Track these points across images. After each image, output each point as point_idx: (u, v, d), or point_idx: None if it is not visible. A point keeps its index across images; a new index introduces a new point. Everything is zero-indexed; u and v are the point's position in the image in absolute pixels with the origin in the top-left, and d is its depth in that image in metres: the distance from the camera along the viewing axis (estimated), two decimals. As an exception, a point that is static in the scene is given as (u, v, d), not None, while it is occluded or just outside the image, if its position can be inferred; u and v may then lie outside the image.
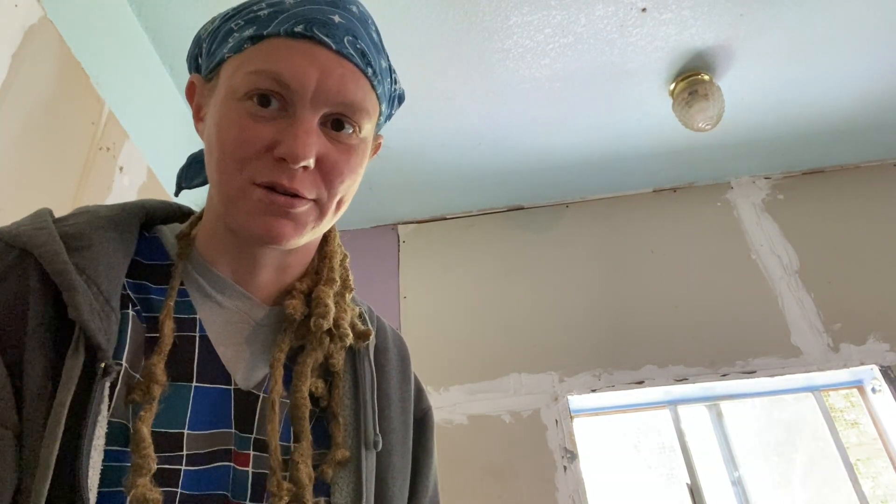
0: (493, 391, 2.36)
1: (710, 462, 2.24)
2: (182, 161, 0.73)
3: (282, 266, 0.61)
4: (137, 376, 0.51)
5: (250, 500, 0.52)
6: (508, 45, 2.01)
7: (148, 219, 0.62)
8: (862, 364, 2.25)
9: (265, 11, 0.56)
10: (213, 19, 0.61)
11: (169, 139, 1.98)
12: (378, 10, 1.84)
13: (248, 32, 0.55)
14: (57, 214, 0.57)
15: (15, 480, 0.42)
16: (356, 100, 0.55)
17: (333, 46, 0.54)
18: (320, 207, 0.56)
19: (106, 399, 0.47)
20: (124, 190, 1.64)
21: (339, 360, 0.61)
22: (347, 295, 0.64)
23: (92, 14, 1.58)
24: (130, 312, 0.53)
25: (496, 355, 2.43)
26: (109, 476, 0.46)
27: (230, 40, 0.57)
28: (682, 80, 2.15)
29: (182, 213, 0.67)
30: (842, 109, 2.40)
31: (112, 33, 1.68)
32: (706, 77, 2.14)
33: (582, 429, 2.32)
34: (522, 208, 2.81)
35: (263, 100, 0.53)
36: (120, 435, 0.48)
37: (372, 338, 0.64)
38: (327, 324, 0.59)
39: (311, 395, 0.58)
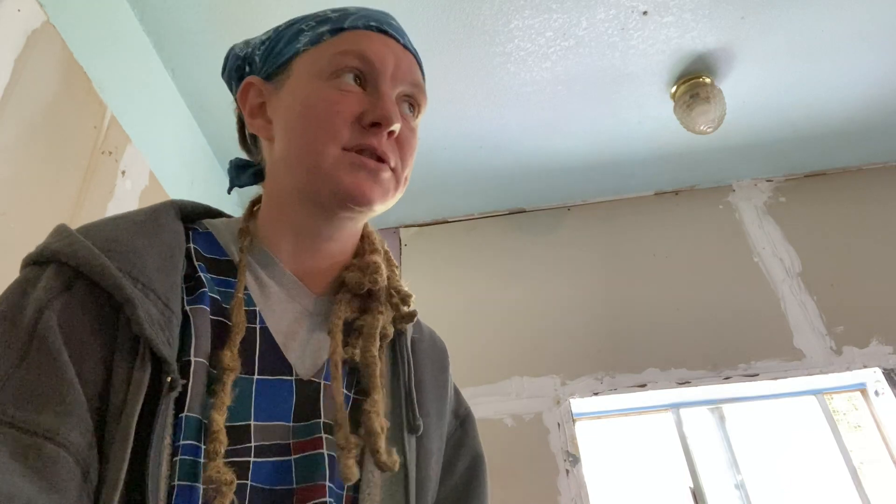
0: (495, 394, 2.35)
1: (712, 465, 2.24)
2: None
3: (339, 247, 0.66)
4: (211, 370, 0.53)
5: (329, 481, 0.54)
6: (510, 49, 2.01)
7: (183, 214, 0.64)
8: (865, 367, 2.24)
9: (334, 15, 0.65)
10: (262, 36, 0.70)
11: (171, 143, 1.98)
12: (379, 13, 1.85)
13: (325, 28, 0.64)
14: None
15: (74, 500, 0.43)
16: (421, 83, 0.67)
17: (401, 40, 0.66)
18: (396, 177, 0.63)
19: (172, 408, 0.49)
20: (126, 194, 1.64)
21: (391, 332, 0.65)
22: (396, 271, 0.69)
23: (94, 18, 1.59)
24: (205, 307, 0.55)
25: (498, 358, 2.43)
26: (185, 470, 0.48)
27: (302, 38, 0.65)
28: (684, 82, 2.15)
29: (210, 210, 0.70)
30: (843, 112, 2.40)
31: (114, 37, 1.68)
32: (707, 80, 2.14)
33: (584, 432, 2.32)
34: (524, 211, 2.81)
35: (350, 77, 0.61)
36: (191, 429, 0.50)
37: (410, 327, 0.69)
38: (381, 280, 0.64)
39: (350, 367, 0.60)
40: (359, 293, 0.64)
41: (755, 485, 2.19)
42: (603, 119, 2.33)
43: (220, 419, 0.50)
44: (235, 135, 0.78)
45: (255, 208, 0.69)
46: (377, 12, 0.66)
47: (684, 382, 2.29)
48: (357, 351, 0.60)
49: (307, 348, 0.60)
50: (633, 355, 2.37)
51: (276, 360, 0.58)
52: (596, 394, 2.31)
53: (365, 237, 0.69)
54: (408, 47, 0.66)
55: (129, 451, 0.45)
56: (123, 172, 1.64)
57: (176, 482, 0.47)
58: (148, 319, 0.49)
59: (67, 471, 0.43)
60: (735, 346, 2.33)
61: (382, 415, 0.57)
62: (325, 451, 0.55)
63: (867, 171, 2.69)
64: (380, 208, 0.62)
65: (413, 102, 0.66)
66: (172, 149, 1.98)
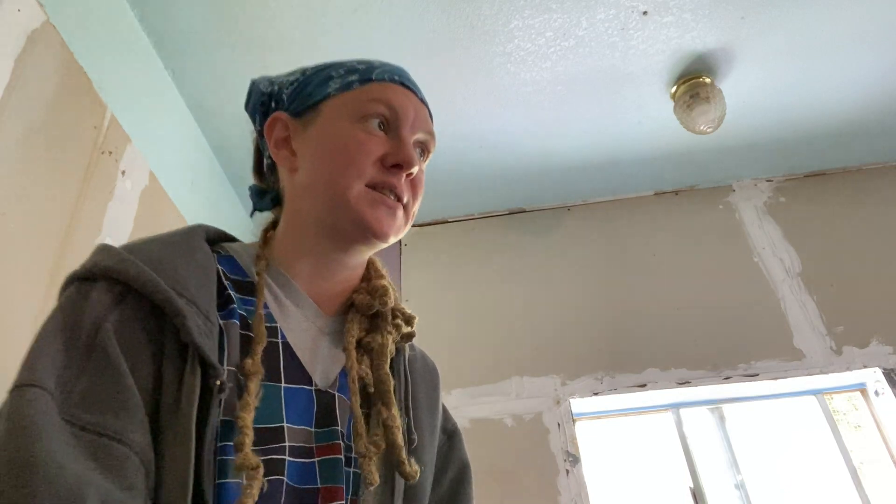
0: (495, 395, 2.35)
1: (712, 465, 2.24)
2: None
3: (349, 273, 0.73)
4: (242, 378, 0.58)
5: (344, 484, 0.60)
6: (510, 49, 2.01)
7: (207, 238, 0.70)
8: (865, 367, 2.24)
9: (360, 66, 0.74)
10: (288, 76, 0.77)
11: (171, 143, 1.98)
12: (379, 12, 1.85)
13: (354, 77, 0.72)
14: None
15: (143, 496, 0.48)
16: (433, 132, 0.75)
17: (419, 95, 0.75)
18: (406, 214, 0.71)
19: (217, 408, 0.54)
20: (126, 194, 1.64)
21: (394, 348, 0.71)
22: (397, 294, 0.75)
23: (94, 18, 1.59)
24: (236, 321, 0.61)
25: (498, 358, 2.43)
26: (222, 470, 0.53)
27: (332, 84, 0.72)
28: (684, 82, 2.15)
29: (227, 235, 0.77)
30: (844, 112, 2.40)
31: (114, 37, 1.68)
32: (707, 80, 2.14)
33: (584, 432, 2.32)
34: (524, 211, 2.81)
35: (375, 123, 0.69)
36: (229, 432, 0.54)
37: (407, 346, 0.76)
38: (390, 302, 0.71)
39: (361, 381, 0.66)
40: (367, 314, 0.71)
41: (755, 485, 2.19)
42: (603, 119, 2.33)
43: (246, 417, 0.55)
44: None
45: (268, 234, 0.75)
46: (398, 68, 0.77)
47: (684, 382, 2.29)
48: (364, 367, 0.67)
49: (323, 362, 0.66)
50: (633, 355, 2.37)
51: (298, 371, 0.63)
52: (596, 394, 2.31)
53: (370, 263, 0.77)
54: (423, 100, 0.76)
55: (192, 451, 0.50)
56: (123, 172, 1.64)
57: (220, 480, 0.52)
58: (196, 329, 0.54)
59: (135, 469, 0.48)
60: (735, 346, 2.33)
61: (401, 428, 0.64)
62: (342, 456, 0.61)
63: (867, 171, 2.69)
64: (391, 241, 0.70)
65: (424, 148, 0.75)
66: (172, 149, 1.98)
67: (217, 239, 0.73)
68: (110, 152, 1.59)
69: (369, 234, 0.67)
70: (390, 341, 0.70)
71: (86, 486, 0.43)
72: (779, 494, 2.22)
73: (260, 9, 1.81)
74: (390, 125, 0.70)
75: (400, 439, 0.62)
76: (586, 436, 2.31)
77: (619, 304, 2.50)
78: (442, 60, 2.02)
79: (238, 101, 2.25)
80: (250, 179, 0.84)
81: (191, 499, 0.49)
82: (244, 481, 0.52)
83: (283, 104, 0.75)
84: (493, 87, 2.14)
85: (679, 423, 2.33)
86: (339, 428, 0.62)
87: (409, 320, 0.74)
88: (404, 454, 0.62)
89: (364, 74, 0.72)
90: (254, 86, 0.80)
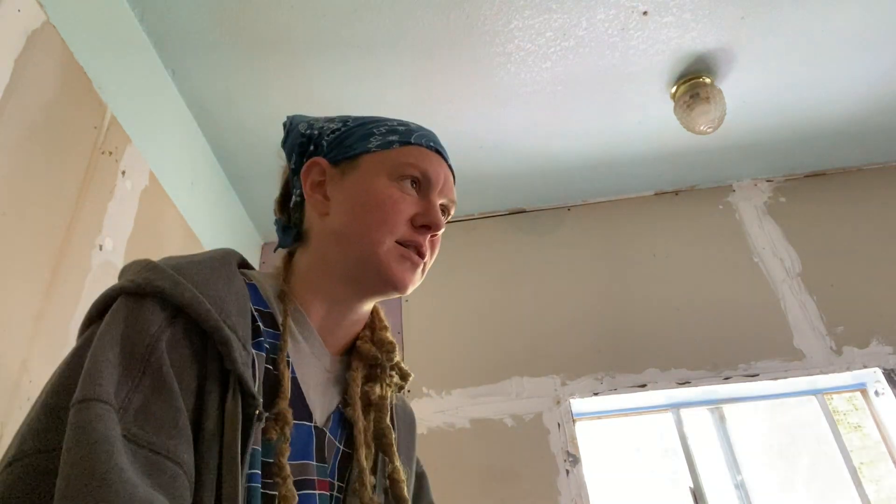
0: (495, 395, 2.35)
1: (712, 465, 2.24)
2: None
3: (357, 320, 0.76)
4: (266, 412, 0.60)
5: None
6: (510, 49, 2.01)
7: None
8: (865, 367, 2.24)
9: (400, 128, 0.79)
10: (329, 123, 0.81)
11: (171, 143, 1.98)
12: (379, 12, 1.85)
13: (395, 138, 0.77)
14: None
15: None
16: (455, 198, 0.82)
17: (448, 163, 0.81)
18: (423, 270, 0.76)
19: (255, 435, 0.56)
20: (126, 194, 1.64)
21: (392, 398, 0.76)
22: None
23: (94, 18, 1.59)
24: (263, 353, 0.63)
25: (498, 359, 2.43)
26: (253, 495, 0.55)
27: (373, 140, 0.77)
28: (684, 83, 2.15)
29: (245, 261, 0.78)
30: (844, 112, 2.40)
31: (114, 37, 1.68)
32: (707, 80, 2.14)
33: (584, 432, 2.32)
34: (524, 211, 2.81)
35: (409, 183, 0.75)
36: (256, 460, 0.57)
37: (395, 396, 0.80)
38: (395, 357, 0.75)
39: (344, 427, 0.69)
40: (369, 363, 0.75)
41: (755, 485, 2.19)
42: (603, 119, 2.33)
43: (286, 465, 0.58)
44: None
45: (286, 270, 0.77)
46: (433, 134, 0.82)
47: (684, 382, 2.29)
48: (359, 414, 0.70)
49: (322, 400, 0.70)
50: (633, 355, 2.37)
51: (301, 407, 0.66)
52: (596, 394, 2.31)
53: (375, 312, 0.81)
54: (451, 167, 0.82)
55: (240, 475, 0.52)
56: (123, 172, 1.64)
57: None
58: (240, 360, 0.56)
59: (184, 487, 0.50)
60: (735, 346, 2.33)
61: (405, 482, 0.68)
62: (333, 494, 0.65)
63: (867, 171, 2.69)
64: (408, 293, 0.75)
65: (447, 211, 0.81)
66: (172, 149, 1.98)
67: (240, 265, 0.75)
68: (110, 152, 1.59)
69: (391, 286, 0.72)
70: (390, 394, 0.74)
71: (156, 502, 0.46)
72: (779, 494, 2.22)
73: (260, 9, 1.80)
74: (421, 187, 0.76)
75: (405, 493, 0.66)
76: (586, 436, 2.31)
77: (619, 303, 2.50)
78: (442, 60, 2.02)
79: (238, 101, 2.26)
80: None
81: None
82: None
83: (322, 150, 0.79)
84: (493, 87, 2.14)
85: (679, 423, 2.33)
86: (327, 466, 0.66)
87: (404, 377, 0.78)
88: None
89: (404, 136, 0.78)
90: (292, 125, 0.84)
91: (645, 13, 1.93)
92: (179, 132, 2.05)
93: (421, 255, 0.74)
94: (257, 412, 0.56)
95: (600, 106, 2.26)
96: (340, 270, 0.73)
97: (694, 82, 2.13)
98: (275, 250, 0.85)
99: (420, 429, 2.28)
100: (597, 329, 2.45)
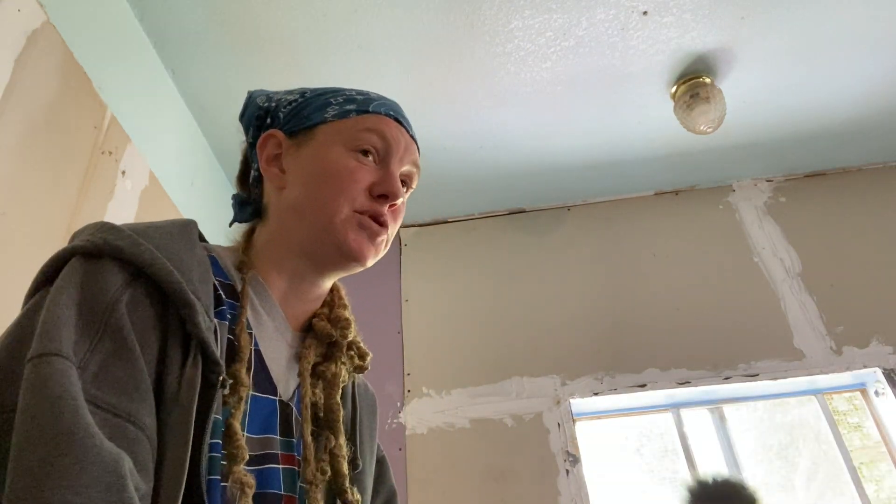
0: (495, 394, 2.35)
1: (712, 465, 2.24)
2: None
3: (318, 294, 0.75)
4: (229, 380, 0.59)
5: (298, 494, 0.62)
6: (510, 49, 2.01)
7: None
8: (865, 367, 2.24)
9: (358, 97, 0.76)
10: (286, 95, 0.79)
11: (171, 143, 1.98)
12: (379, 12, 1.85)
13: (352, 107, 0.75)
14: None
15: (152, 479, 0.48)
16: (419, 165, 0.79)
17: (410, 131, 0.78)
18: (385, 241, 0.73)
19: (217, 403, 0.55)
20: (126, 194, 1.64)
21: (347, 378, 0.74)
22: (354, 325, 0.77)
23: (94, 18, 1.59)
24: (225, 322, 0.61)
25: (498, 358, 2.43)
26: (214, 465, 0.54)
27: (330, 110, 0.74)
28: (684, 83, 2.15)
29: (203, 236, 0.76)
30: (844, 112, 2.40)
31: (114, 37, 1.68)
32: (707, 80, 2.14)
33: (584, 432, 2.32)
34: (524, 211, 2.81)
35: (366, 153, 0.72)
36: (217, 430, 0.55)
37: (358, 377, 0.80)
38: (350, 335, 0.73)
39: (314, 406, 0.68)
40: (324, 341, 0.73)
41: (755, 485, 2.19)
42: (603, 119, 2.33)
43: (238, 426, 0.57)
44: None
45: (247, 243, 0.75)
46: (393, 102, 0.80)
47: (684, 382, 2.29)
48: (319, 392, 0.69)
49: (286, 374, 0.68)
50: (633, 355, 2.37)
51: (265, 380, 0.65)
52: (596, 394, 2.31)
53: (335, 290, 0.78)
54: (414, 137, 0.79)
55: (190, 443, 0.50)
56: (123, 172, 1.64)
57: (208, 476, 0.53)
58: (203, 323, 0.55)
59: (146, 451, 0.48)
60: (735, 346, 2.33)
61: (347, 457, 0.67)
62: (296, 468, 0.64)
63: (867, 171, 2.69)
64: (367, 266, 0.73)
65: (409, 181, 0.78)
66: (172, 149, 1.98)
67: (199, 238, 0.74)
68: (110, 152, 1.59)
69: (350, 257, 0.69)
70: (343, 371, 0.72)
71: (122, 460, 0.44)
72: (779, 494, 2.22)
73: (260, 9, 1.81)
74: (380, 156, 0.73)
75: (345, 468, 0.65)
76: (586, 436, 2.31)
77: (619, 303, 2.50)
78: (442, 60, 2.02)
79: (238, 100, 2.24)
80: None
81: (184, 489, 0.49)
82: (236, 494, 0.54)
83: (279, 122, 0.77)
84: (493, 87, 2.14)
85: (679, 423, 2.33)
86: (294, 441, 0.65)
87: (363, 356, 0.76)
88: (348, 483, 0.65)
89: (361, 105, 0.75)
90: (250, 98, 0.83)
91: (645, 13, 1.93)
92: (179, 132, 2.05)
93: (381, 225, 0.71)
94: (221, 378, 0.54)
95: (600, 106, 2.26)
96: (298, 244, 0.71)
97: (694, 82, 2.13)
98: (230, 225, 0.83)
99: (420, 429, 2.30)
100: (597, 329, 2.45)
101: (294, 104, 0.77)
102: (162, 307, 0.55)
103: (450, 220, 2.82)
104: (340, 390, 0.71)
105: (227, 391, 0.56)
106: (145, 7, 1.77)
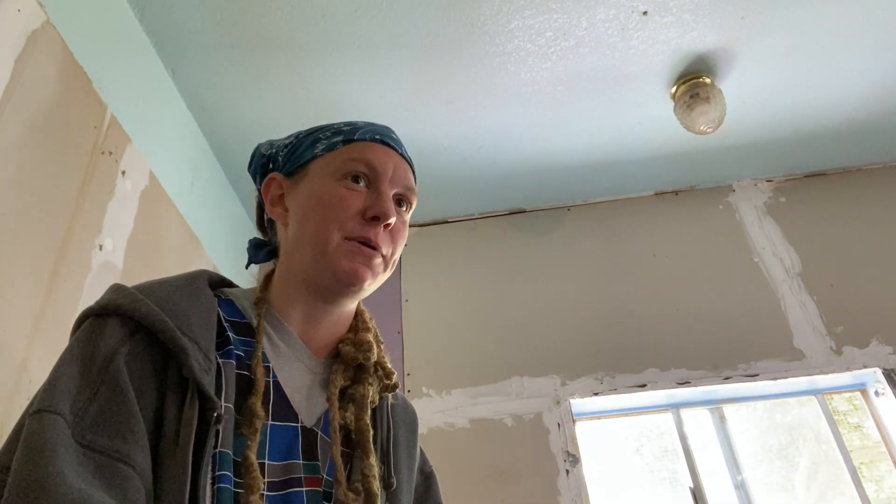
0: (495, 395, 2.35)
1: (712, 465, 2.24)
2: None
3: (337, 321, 0.78)
4: (235, 415, 0.63)
5: None
6: (510, 49, 2.01)
7: (210, 283, 0.76)
8: (865, 367, 2.24)
9: (345, 128, 0.80)
10: (285, 140, 0.84)
11: (171, 143, 1.98)
12: (379, 12, 1.85)
13: (339, 138, 0.78)
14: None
15: None
16: (413, 186, 0.81)
17: (399, 151, 0.80)
18: (385, 262, 0.76)
19: (213, 438, 0.59)
20: (126, 194, 1.64)
21: (377, 400, 0.77)
22: (381, 346, 0.81)
23: (94, 18, 1.59)
24: (232, 360, 0.65)
25: (498, 359, 2.43)
26: (219, 496, 0.57)
27: (319, 145, 0.79)
28: (684, 82, 2.15)
29: (226, 280, 0.82)
30: (844, 112, 2.40)
31: (115, 37, 1.68)
32: (707, 80, 2.14)
33: (584, 432, 2.32)
34: (524, 211, 2.81)
35: (356, 179, 0.75)
36: (225, 462, 0.59)
37: (390, 395, 0.82)
38: (373, 357, 0.76)
39: (340, 426, 0.71)
40: (352, 365, 0.76)
41: (755, 485, 2.19)
42: (603, 119, 2.33)
43: (254, 457, 0.61)
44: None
45: (267, 282, 0.81)
46: (381, 126, 0.81)
47: (684, 382, 2.29)
48: (349, 415, 0.72)
49: (309, 401, 0.72)
50: (633, 355, 2.37)
51: (285, 409, 0.68)
52: (596, 394, 2.31)
53: (359, 314, 0.82)
54: (404, 156, 0.81)
55: (189, 475, 0.54)
56: (123, 172, 1.64)
57: None
58: (197, 366, 0.59)
59: (137, 489, 0.52)
60: (735, 346, 2.33)
61: (378, 478, 0.69)
62: (321, 490, 0.66)
63: (867, 171, 2.69)
64: (370, 288, 0.76)
65: (405, 200, 0.80)
66: (172, 149, 1.98)
67: (218, 284, 0.79)
68: (110, 152, 1.59)
69: (346, 283, 0.72)
70: (371, 393, 0.75)
71: (91, 499, 0.48)
72: (779, 494, 2.22)
73: (260, 9, 1.81)
74: (371, 181, 0.76)
75: (376, 487, 0.67)
76: (586, 436, 2.31)
77: (619, 304, 2.50)
78: (442, 60, 2.02)
79: (238, 100, 2.25)
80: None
81: None
82: None
83: (279, 165, 0.82)
84: (493, 87, 2.14)
85: (679, 423, 2.33)
86: (319, 464, 0.68)
87: (388, 374, 0.79)
88: (379, 502, 0.67)
89: (347, 135, 0.79)
90: (256, 149, 0.88)
91: (645, 13, 1.93)
92: (179, 132, 2.05)
93: (373, 248, 0.73)
94: (216, 415, 0.58)
95: (600, 106, 2.26)
96: (302, 276, 0.75)
97: (694, 82, 2.13)
98: (246, 267, 0.90)
99: (420, 429, 2.28)
100: (597, 329, 2.45)
101: (289, 146, 0.82)
102: (161, 357, 0.60)
103: (450, 220, 2.82)
104: (370, 411, 0.73)
105: (222, 425, 0.59)
106: (145, 7, 1.77)
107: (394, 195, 0.78)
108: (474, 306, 2.57)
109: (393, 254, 0.77)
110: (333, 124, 0.82)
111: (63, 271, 1.35)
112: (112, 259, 1.54)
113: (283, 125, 2.12)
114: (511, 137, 2.37)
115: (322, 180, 0.76)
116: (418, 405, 2.34)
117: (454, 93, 2.15)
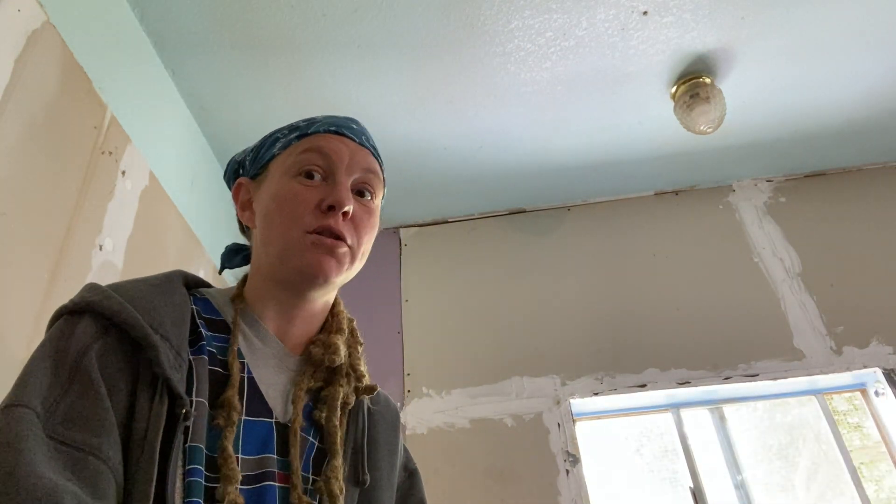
0: (495, 395, 2.35)
1: (712, 465, 2.24)
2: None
3: (310, 317, 0.77)
4: (210, 411, 0.63)
5: None
6: (510, 49, 2.01)
7: (185, 283, 0.76)
8: (865, 367, 2.24)
9: (302, 124, 0.80)
10: (253, 146, 0.84)
11: (171, 143, 1.98)
12: (379, 12, 1.85)
13: (294, 135, 0.78)
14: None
15: None
16: (375, 169, 0.79)
17: (356, 140, 0.79)
18: (352, 253, 0.74)
19: (181, 434, 0.59)
20: (126, 194, 1.64)
21: (353, 401, 0.76)
22: (359, 348, 0.81)
23: (94, 18, 1.59)
24: (204, 356, 0.66)
25: (498, 359, 2.43)
26: (189, 489, 0.58)
27: (277, 144, 0.79)
28: (684, 82, 2.15)
29: (204, 282, 0.82)
30: (844, 112, 2.40)
31: (114, 38, 1.68)
32: (707, 80, 2.14)
33: (584, 432, 2.32)
34: (524, 211, 2.81)
35: (310, 175, 0.75)
36: (198, 456, 0.59)
37: (367, 397, 0.81)
38: (338, 359, 0.75)
39: (317, 424, 0.72)
40: (319, 366, 0.75)
41: (755, 485, 2.19)
42: (603, 119, 2.33)
43: (231, 448, 0.61)
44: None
45: (245, 281, 0.81)
46: (340, 118, 0.81)
47: (684, 382, 2.29)
48: (323, 415, 0.72)
49: (284, 398, 0.71)
50: (633, 355, 2.37)
51: (259, 405, 0.68)
52: (596, 394, 2.31)
53: (337, 314, 0.81)
54: (363, 144, 0.79)
55: (156, 470, 0.54)
56: (123, 172, 1.64)
57: (188, 499, 0.57)
58: (167, 363, 0.60)
59: (107, 481, 0.53)
60: (735, 346, 2.33)
61: (341, 479, 0.68)
62: (289, 486, 0.66)
63: (867, 171, 2.70)
64: (339, 281, 0.75)
65: (368, 188, 0.79)
66: (172, 149, 1.98)
67: (195, 285, 0.79)
68: (110, 152, 1.59)
69: (310, 276, 0.72)
70: (341, 394, 0.74)
71: (62, 492, 0.48)
72: (779, 494, 2.22)
73: (260, 9, 1.81)
74: (327, 172, 0.75)
75: (336, 489, 0.67)
76: (586, 436, 2.31)
77: (619, 304, 2.50)
78: (442, 60, 2.02)
79: (238, 100, 2.25)
80: None
81: None
82: None
83: (246, 170, 0.83)
84: (493, 87, 2.14)
85: (679, 423, 2.33)
86: (291, 460, 0.68)
87: (360, 377, 0.78)
88: (339, 503, 0.67)
89: (302, 130, 0.78)
90: (231, 159, 0.88)
91: (645, 13, 1.93)
92: (179, 132, 2.05)
93: (337, 238, 0.72)
94: (184, 411, 0.58)
95: (600, 106, 2.26)
96: (269, 274, 0.75)
97: (694, 82, 2.13)
98: (219, 272, 0.91)
99: (420, 429, 2.30)
100: (597, 329, 2.45)
101: (254, 149, 0.83)
102: (132, 354, 0.61)
103: (450, 220, 2.82)
104: (340, 412, 0.73)
105: (191, 421, 0.59)
106: (145, 7, 1.77)
107: (354, 183, 0.77)
108: (474, 306, 2.57)
109: (360, 244, 0.76)
110: (294, 122, 0.82)
111: (63, 271, 1.35)
112: (112, 259, 1.54)
113: (282, 125, 2.12)
114: (511, 137, 2.37)
115: (280, 179, 0.76)
116: (418, 405, 2.34)
117: (454, 93, 2.15)
